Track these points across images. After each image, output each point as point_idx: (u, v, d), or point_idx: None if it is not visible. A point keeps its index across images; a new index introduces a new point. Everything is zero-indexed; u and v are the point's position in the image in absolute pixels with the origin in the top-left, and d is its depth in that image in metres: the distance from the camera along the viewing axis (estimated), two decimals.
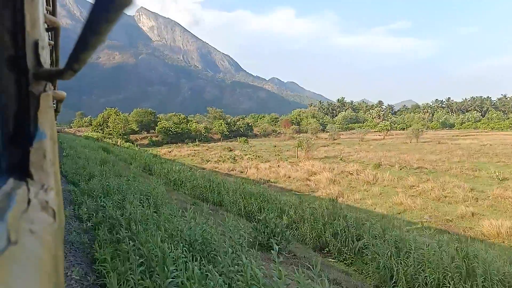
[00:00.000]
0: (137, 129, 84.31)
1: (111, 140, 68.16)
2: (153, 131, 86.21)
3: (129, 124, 75.78)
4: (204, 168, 37.90)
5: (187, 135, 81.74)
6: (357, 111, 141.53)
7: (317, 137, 79.54)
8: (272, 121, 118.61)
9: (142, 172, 23.94)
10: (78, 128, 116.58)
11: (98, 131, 76.57)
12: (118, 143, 65.41)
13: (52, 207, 0.55)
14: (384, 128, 69.76)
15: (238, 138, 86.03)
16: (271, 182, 27.31)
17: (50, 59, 1.61)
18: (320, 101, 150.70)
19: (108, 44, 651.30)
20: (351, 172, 27.87)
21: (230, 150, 58.43)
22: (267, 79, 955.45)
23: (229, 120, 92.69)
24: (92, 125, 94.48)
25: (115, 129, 72.22)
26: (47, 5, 1.60)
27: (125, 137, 72.54)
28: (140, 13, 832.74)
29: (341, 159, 37.81)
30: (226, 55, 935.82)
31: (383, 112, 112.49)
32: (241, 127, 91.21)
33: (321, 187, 23.79)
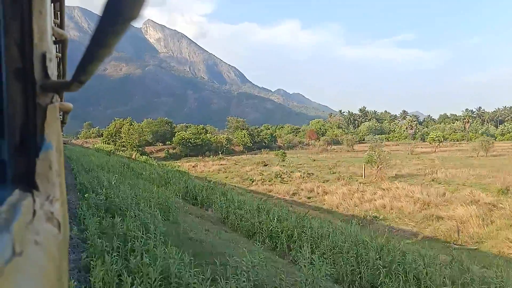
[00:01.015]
0: (152, 140, 76.20)
1: (124, 153, 60.02)
2: (169, 142, 78.03)
3: (144, 135, 67.62)
4: (253, 191, 29.31)
5: (208, 147, 73.41)
6: (381, 121, 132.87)
7: (353, 149, 70.95)
8: (293, 131, 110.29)
9: (190, 204, 15.45)
10: (86, 139, 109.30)
11: (109, 143, 68.61)
12: (133, 157, 57.29)
13: (57, 218, 0.54)
14: (436, 139, 60.85)
15: (262, 150, 77.57)
16: (380, 219, 18.62)
17: (58, 71, 1.67)
18: (340, 111, 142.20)
19: (115, 55, 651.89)
20: (494, 204, 19.11)
21: (265, 165, 49.93)
22: (273, 91, 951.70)
23: (252, 130, 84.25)
24: (102, 136, 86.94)
25: (129, 140, 64.08)
26: (55, 18, 1.65)
27: (140, 149, 64.38)
28: (147, 25, 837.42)
29: (433, 180, 29.08)
30: (232, 66, 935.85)
31: (415, 122, 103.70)
32: (265, 138, 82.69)
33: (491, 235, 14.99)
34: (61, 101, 0.67)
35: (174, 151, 71.42)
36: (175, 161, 66.22)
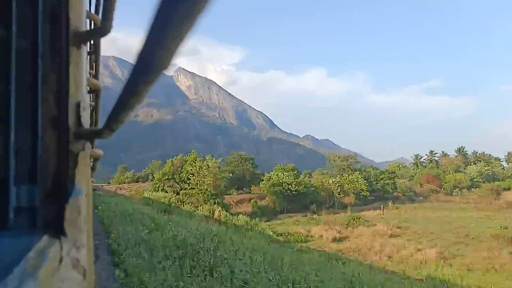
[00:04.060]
0: (224, 184, 51.22)
1: (199, 209, 34.94)
2: (247, 189, 52.87)
3: (220, 177, 42.63)
4: None
5: (314, 196, 47.52)
6: (489, 164, 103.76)
7: None
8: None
9: None
10: (120, 185, 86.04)
11: (165, 189, 44.11)
12: (217, 216, 32.11)
13: (83, 265, 0.54)
14: None
15: (389, 203, 50.56)
16: None
17: (91, 119, 1.77)
18: (431, 151, 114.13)
19: (147, 102, 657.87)
20: None
21: None
22: (301, 136, 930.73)
23: (367, 173, 57.74)
24: (138, 180, 64.14)
25: (202, 186, 39.27)
26: (90, 69, 1.74)
27: (217, 199, 39.14)
28: (178, 73, 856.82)
29: None
30: (261, 112, 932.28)
31: None
32: (387, 184, 55.90)
33: None
34: (92, 148, 0.67)
35: (263, 202, 45.82)
36: (273, 222, 40.42)
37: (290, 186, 44.83)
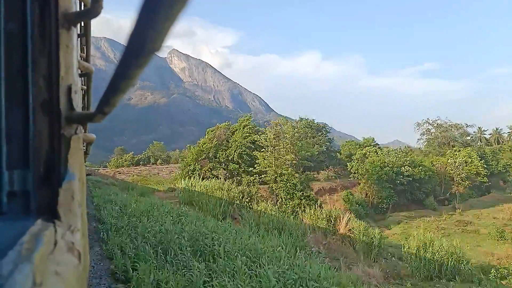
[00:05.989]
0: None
1: (301, 213, 18.78)
2: (321, 170, 36.84)
3: (310, 153, 26.22)
4: None
5: (429, 185, 31.63)
6: None
7: None
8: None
9: None
10: (118, 169, 69.86)
11: (201, 174, 27.90)
12: (344, 231, 16.25)
13: (77, 248, 0.54)
14: None
15: None
16: None
17: (82, 103, 1.73)
18: (479, 128, 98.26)
19: (140, 85, 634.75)
20: None
21: None
22: (296, 120, 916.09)
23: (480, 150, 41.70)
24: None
25: (283, 168, 22.98)
26: (81, 52, 1.73)
27: (305, 190, 22.99)
28: (172, 55, 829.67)
29: None
30: (257, 95, 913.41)
31: None
32: (510, 165, 40.09)
33: None
34: (85, 132, 0.68)
35: (362, 195, 29.73)
36: (395, 228, 24.50)
37: (402, 169, 28.72)
